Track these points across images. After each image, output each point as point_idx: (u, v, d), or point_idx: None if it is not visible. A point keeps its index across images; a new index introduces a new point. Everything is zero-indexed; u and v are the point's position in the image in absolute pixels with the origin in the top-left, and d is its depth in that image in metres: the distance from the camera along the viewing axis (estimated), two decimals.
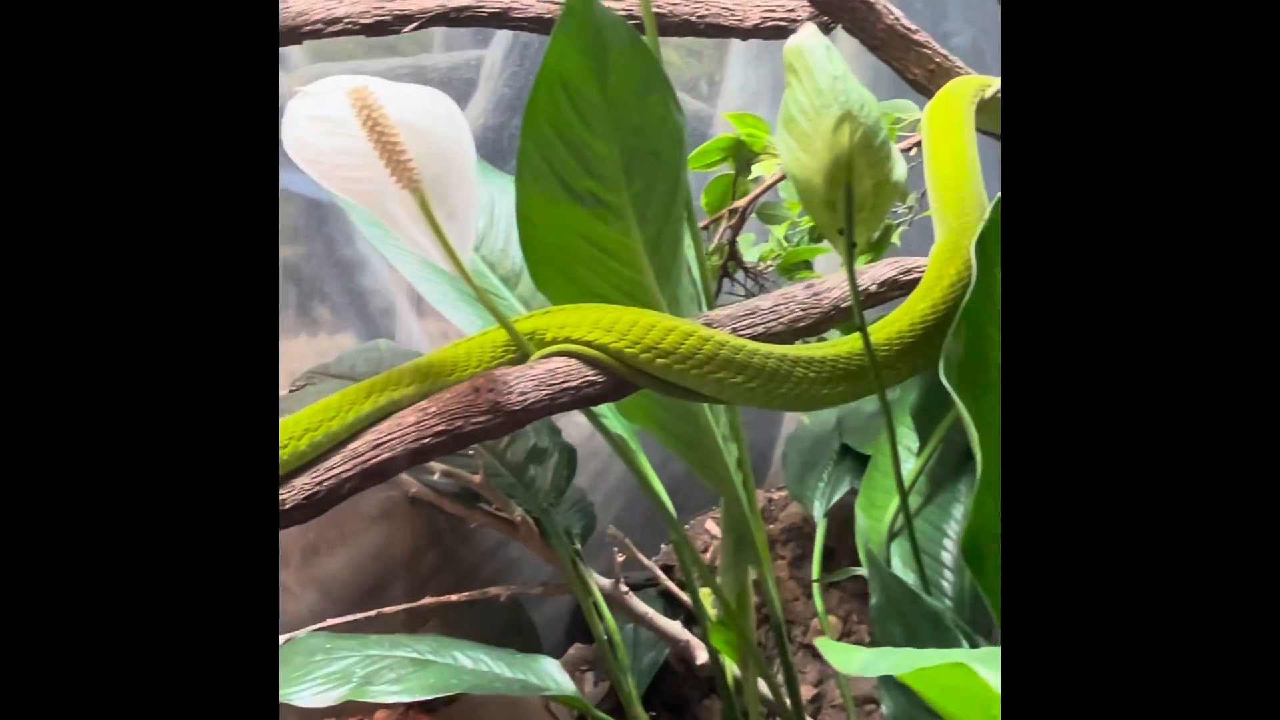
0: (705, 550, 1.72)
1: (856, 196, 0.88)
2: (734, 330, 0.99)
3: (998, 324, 0.90)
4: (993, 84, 1.29)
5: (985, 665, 0.53)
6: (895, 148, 0.89)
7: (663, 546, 1.79)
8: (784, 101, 0.90)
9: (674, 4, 1.43)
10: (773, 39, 1.49)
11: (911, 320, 1.01)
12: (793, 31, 1.48)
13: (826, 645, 0.63)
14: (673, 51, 1.77)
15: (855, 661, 0.60)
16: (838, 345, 0.98)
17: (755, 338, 1.00)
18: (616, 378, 0.94)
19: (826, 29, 1.44)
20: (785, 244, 1.51)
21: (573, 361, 0.93)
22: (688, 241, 1.13)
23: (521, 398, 0.90)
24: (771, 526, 1.71)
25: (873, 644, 0.90)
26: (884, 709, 0.92)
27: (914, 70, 1.38)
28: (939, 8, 1.82)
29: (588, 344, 0.94)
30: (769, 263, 1.44)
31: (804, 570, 1.68)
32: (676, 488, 1.44)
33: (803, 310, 1.03)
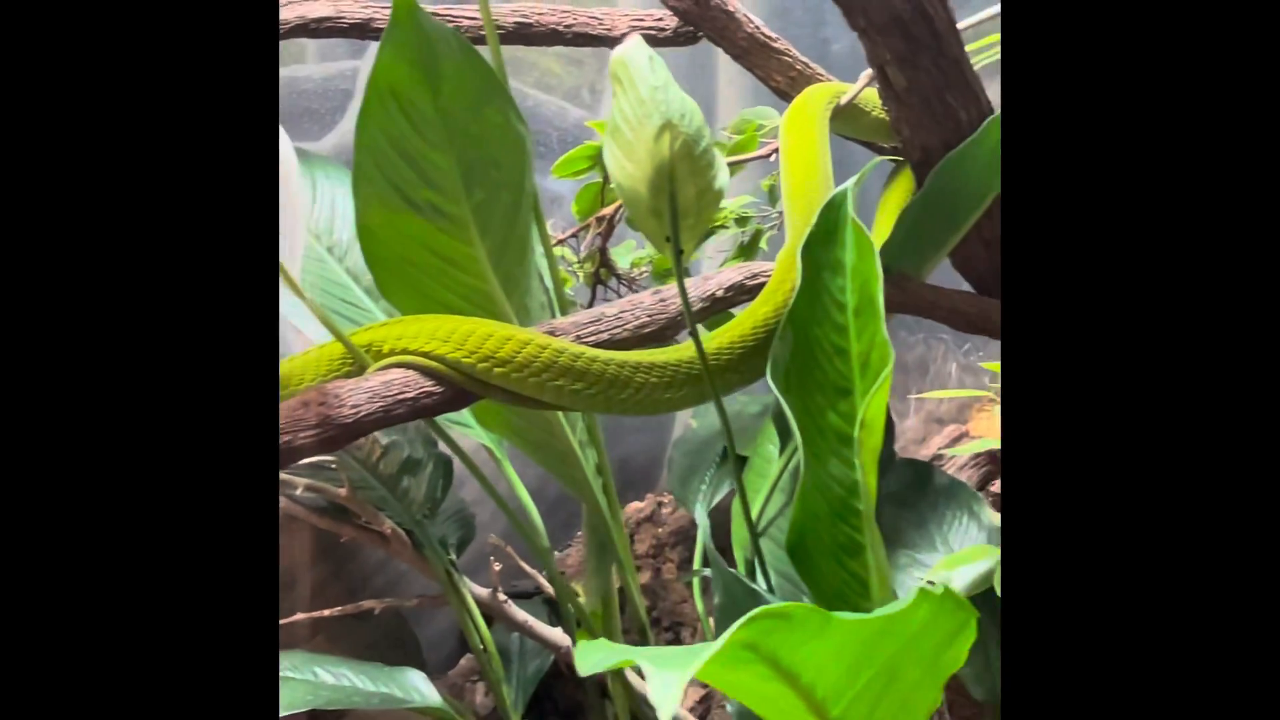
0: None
1: (680, 204, 0.89)
2: (578, 338, 1.00)
3: (825, 326, 0.93)
4: (847, 91, 1.32)
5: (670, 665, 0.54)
6: (719, 156, 0.91)
7: (556, 553, 1.79)
8: (610, 112, 0.91)
9: (540, 14, 1.44)
10: None
11: (754, 324, 1.02)
12: (663, 40, 1.51)
13: (583, 646, 0.64)
14: (554, 60, 1.78)
15: (586, 661, 0.62)
16: (680, 350, 1.00)
17: (601, 345, 1.01)
18: (455, 388, 0.95)
19: (692, 38, 1.46)
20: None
21: (410, 373, 0.94)
22: (540, 250, 1.14)
23: (354, 410, 0.90)
24: (660, 530, 1.72)
25: None
26: (728, 708, 0.94)
27: (776, 78, 1.40)
28: (817, 15, 1.85)
29: (425, 355, 0.94)
30: (642, 269, 1.45)
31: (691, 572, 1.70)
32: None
33: (649, 317, 1.04)
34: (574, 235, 1.40)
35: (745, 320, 1.02)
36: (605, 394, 0.95)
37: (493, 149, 0.99)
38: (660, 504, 1.80)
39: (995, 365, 1.02)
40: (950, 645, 0.66)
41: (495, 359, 0.93)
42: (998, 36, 1.30)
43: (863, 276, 0.90)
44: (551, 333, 0.99)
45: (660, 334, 1.05)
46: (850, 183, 0.97)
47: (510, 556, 1.49)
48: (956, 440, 1.78)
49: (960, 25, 1.18)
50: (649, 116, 0.87)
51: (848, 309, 0.92)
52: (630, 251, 1.50)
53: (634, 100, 0.88)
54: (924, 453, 1.79)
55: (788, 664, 0.59)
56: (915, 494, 1.16)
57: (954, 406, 1.94)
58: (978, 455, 1.38)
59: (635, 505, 1.75)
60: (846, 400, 0.89)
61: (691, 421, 1.74)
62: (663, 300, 1.06)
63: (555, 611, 1.56)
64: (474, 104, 0.97)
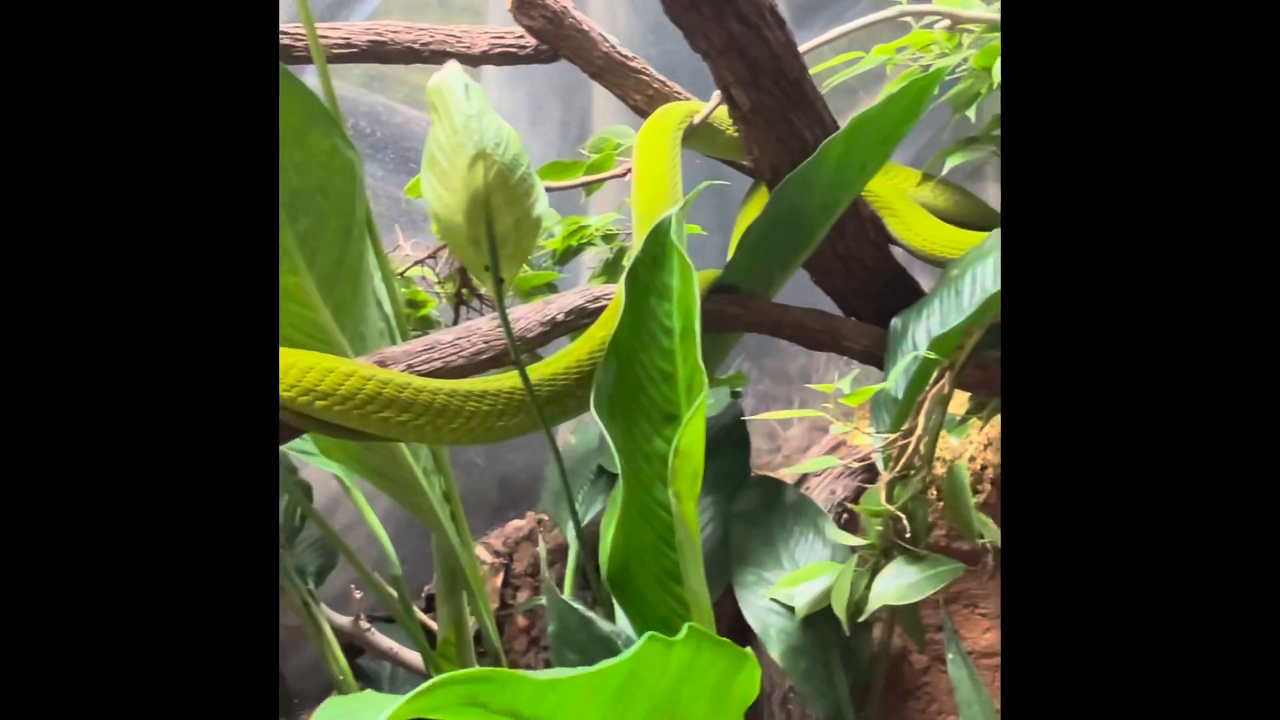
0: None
1: (498, 233, 0.88)
2: (409, 367, 0.99)
3: (651, 351, 0.93)
4: (701, 109, 1.32)
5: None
6: (538, 183, 0.90)
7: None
8: (427, 139, 0.90)
9: (395, 32, 1.43)
10: (503, 65, 1.50)
11: (590, 349, 1.02)
12: (524, 58, 1.50)
13: (331, 703, 0.63)
14: (422, 76, 1.76)
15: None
16: (512, 377, 0.99)
17: (434, 373, 1.00)
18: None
19: (553, 56, 1.46)
20: (529, 267, 1.51)
21: None
22: (378, 276, 1.12)
23: None
24: (537, 549, 1.71)
25: None
26: None
27: (634, 96, 1.41)
28: None
29: None
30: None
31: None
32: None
33: (485, 343, 1.03)
34: (432, 256, 1.38)
35: (581, 346, 1.02)
36: (434, 424, 0.94)
37: (318, 175, 0.97)
38: (540, 521, 1.79)
39: (829, 388, 1.03)
40: (734, 679, 0.66)
41: (316, 392, 0.91)
42: (852, 55, 1.32)
43: (687, 302, 0.91)
44: (382, 363, 0.97)
45: (497, 360, 1.04)
46: (675, 209, 0.97)
47: (377, 584, 1.47)
48: (835, 448, 1.81)
49: (802, 48, 1.19)
50: (463, 145, 0.86)
51: (674, 334, 0.92)
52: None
53: (449, 129, 0.87)
54: (807, 456, 1.83)
55: (533, 716, 0.58)
56: (765, 512, 1.16)
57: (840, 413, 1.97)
58: (853, 469, 1.39)
59: (515, 523, 1.74)
60: (673, 426, 0.89)
61: (570, 438, 1.74)
62: (499, 326, 1.05)
63: (430, 635, 1.54)
64: (297, 130, 0.95)
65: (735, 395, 1.63)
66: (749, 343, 1.98)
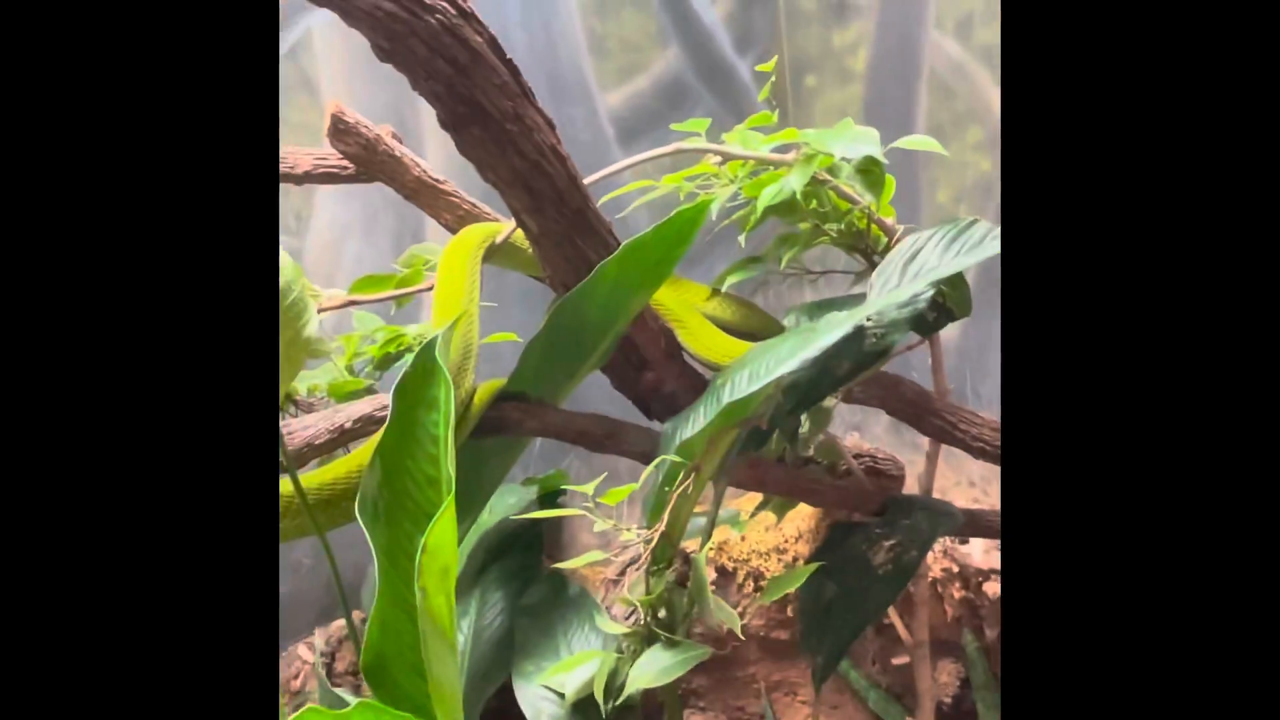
0: (296, 676, 1.74)
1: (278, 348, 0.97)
2: None
3: (418, 458, 1.01)
4: (504, 229, 1.44)
5: None
6: (311, 306, 0.99)
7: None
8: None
9: None
10: (326, 184, 1.60)
11: (367, 458, 1.10)
12: (345, 178, 1.60)
13: None
14: None
15: None
16: (286, 483, 1.06)
17: None
18: None
19: (370, 178, 1.56)
20: (351, 373, 1.59)
21: None
22: None
23: None
24: None
25: None
26: None
27: (445, 215, 1.52)
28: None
29: None
30: (319, 395, 1.51)
31: None
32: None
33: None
34: None
35: (359, 455, 1.10)
36: None
37: None
38: (365, 620, 1.83)
39: (588, 488, 1.12)
40: None
41: None
42: (644, 183, 1.46)
43: (448, 414, 1.00)
44: None
45: (295, 459, 1.11)
46: (443, 331, 1.07)
47: None
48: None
49: (591, 178, 1.32)
50: None
51: (440, 441, 1.01)
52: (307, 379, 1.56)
53: None
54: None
55: None
56: (548, 606, 1.25)
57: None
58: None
59: (339, 623, 1.77)
60: None
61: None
62: (290, 432, 1.13)
63: None
64: None
65: (557, 494, 1.72)
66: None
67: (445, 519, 0.90)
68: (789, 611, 1.91)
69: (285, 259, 0.98)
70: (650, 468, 1.09)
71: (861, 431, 2.08)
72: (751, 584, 1.91)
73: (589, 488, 1.12)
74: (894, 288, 1.16)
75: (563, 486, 1.56)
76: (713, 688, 1.98)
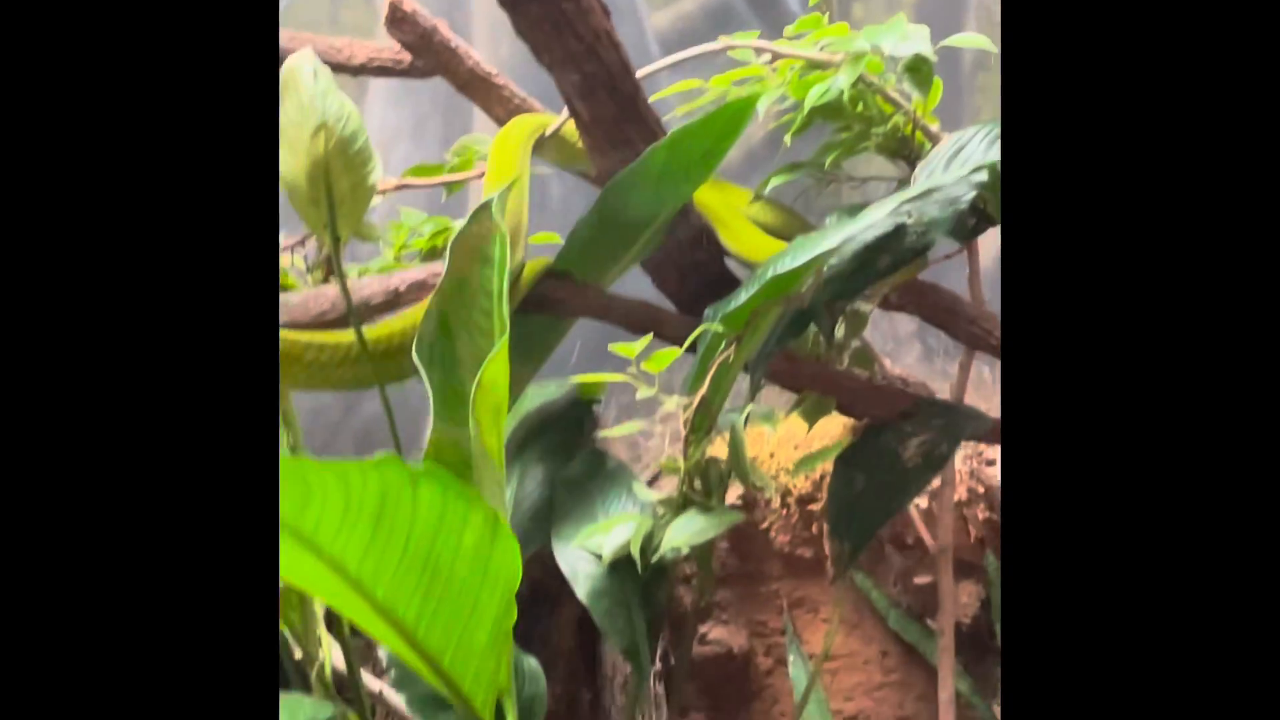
0: None
1: (336, 195, 1.01)
2: None
3: (472, 310, 1.05)
4: (551, 122, 1.47)
5: None
6: (375, 157, 1.03)
7: None
8: (280, 116, 1.02)
9: (280, 41, 1.55)
10: (381, 76, 1.63)
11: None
12: (399, 72, 1.63)
13: None
14: None
15: None
16: (344, 334, 1.10)
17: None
18: None
19: (424, 72, 1.59)
20: (399, 261, 1.63)
21: None
22: None
23: None
24: None
25: None
26: None
27: (497, 109, 1.55)
28: None
29: None
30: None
31: None
32: None
33: (330, 304, 1.15)
34: (300, 243, 1.49)
35: (417, 311, 1.14)
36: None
37: None
38: None
39: (630, 350, 1.15)
40: (492, 547, 0.77)
41: None
42: (691, 83, 1.47)
43: (503, 268, 1.04)
44: None
45: (340, 321, 1.16)
46: (500, 192, 1.10)
47: None
48: None
49: (639, 73, 1.35)
50: (308, 118, 0.99)
51: (494, 295, 1.05)
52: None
53: (297, 105, 1.00)
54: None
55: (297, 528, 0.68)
56: (587, 478, 1.29)
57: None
58: None
59: None
60: None
61: None
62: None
63: None
64: None
65: (593, 402, 1.75)
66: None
67: (499, 359, 0.94)
68: (814, 529, 1.94)
69: (350, 107, 1.01)
70: (693, 336, 1.13)
71: (893, 360, 2.11)
72: (778, 499, 1.94)
73: (632, 349, 1.15)
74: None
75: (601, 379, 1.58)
76: (735, 601, 2.02)
